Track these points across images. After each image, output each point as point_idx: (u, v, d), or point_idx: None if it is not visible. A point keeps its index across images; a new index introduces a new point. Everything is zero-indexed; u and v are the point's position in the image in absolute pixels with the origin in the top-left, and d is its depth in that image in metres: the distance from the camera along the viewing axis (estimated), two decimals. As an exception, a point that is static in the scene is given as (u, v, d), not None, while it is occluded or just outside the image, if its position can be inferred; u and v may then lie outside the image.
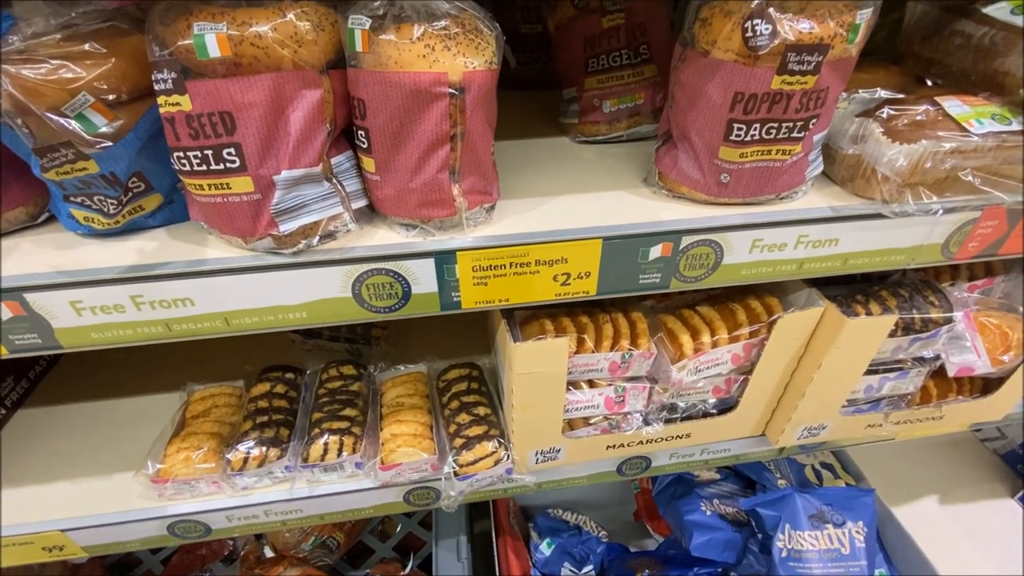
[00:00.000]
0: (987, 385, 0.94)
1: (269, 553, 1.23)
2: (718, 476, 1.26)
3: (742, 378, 0.85)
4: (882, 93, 0.67)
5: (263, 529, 0.90)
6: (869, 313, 0.78)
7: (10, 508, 0.85)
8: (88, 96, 0.48)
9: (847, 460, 1.32)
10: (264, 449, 0.82)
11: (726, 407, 0.89)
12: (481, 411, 0.89)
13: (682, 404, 0.87)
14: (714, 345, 0.78)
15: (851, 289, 0.84)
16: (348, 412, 0.89)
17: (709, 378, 0.83)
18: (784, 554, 1.02)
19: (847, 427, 0.92)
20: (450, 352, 1.08)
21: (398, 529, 1.37)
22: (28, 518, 0.84)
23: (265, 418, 0.87)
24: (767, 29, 0.51)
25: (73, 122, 0.48)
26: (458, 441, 0.84)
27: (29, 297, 0.54)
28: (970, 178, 0.62)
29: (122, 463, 0.91)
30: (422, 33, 0.48)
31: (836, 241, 0.67)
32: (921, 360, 0.85)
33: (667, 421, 0.87)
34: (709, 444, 0.95)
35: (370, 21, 0.48)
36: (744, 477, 1.27)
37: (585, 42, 0.76)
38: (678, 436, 0.89)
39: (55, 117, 0.47)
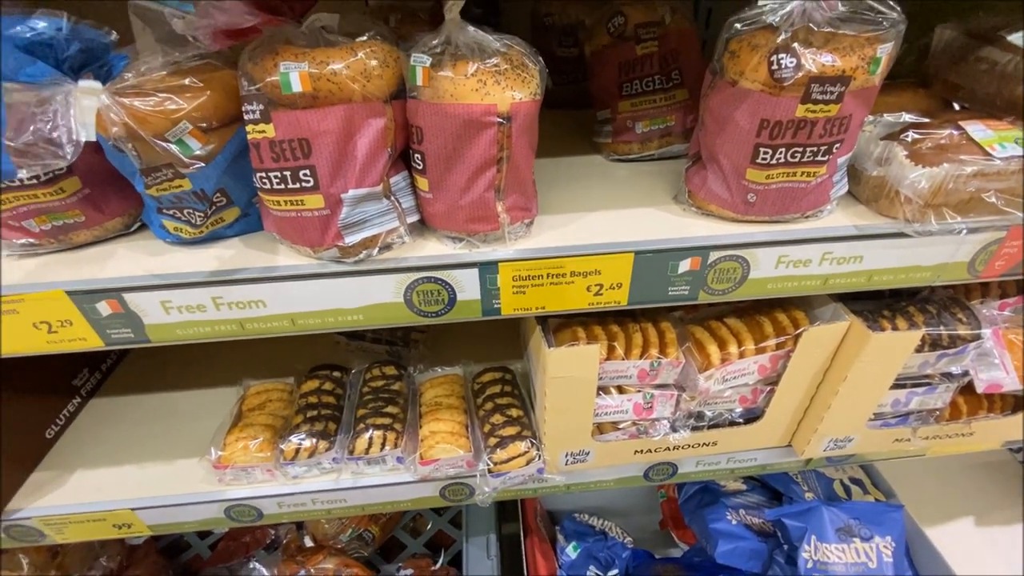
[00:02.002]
0: (1019, 402, 0.94)
1: (309, 543, 1.30)
2: (744, 487, 1.28)
3: (768, 388, 0.87)
4: (907, 117, 0.70)
5: (310, 516, 0.97)
6: (895, 328, 0.80)
7: (84, 488, 0.94)
8: (187, 124, 0.56)
9: (877, 476, 1.32)
10: (314, 441, 0.89)
11: (752, 417, 0.92)
12: (514, 413, 0.94)
13: (709, 412, 0.90)
14: (741, 356, 0.81)
15: (878, 304, 0.86)
16: (390, 409, 0.95)
17: (736, 388, 0.86)
18: (810, 565, 1.03)
19: (874, 441, 0.93)
20: (483, 356, 1.13)
21: (428, 527, 1.42)
22: (101, 497, 0.93)
23: (315, 412, 0.94)
24: (792, 62, 0.55)
25: (174, 146, 0.56)
26: (492, 440, 0.89)
27: (127, 296, 0.62)
28: (994, 199, 0.64)
29: (183, 450, 0.99)
30: (475, 70, 0.54)
31: (860, 258, 0.69)
32: (949, 376, 0.86)
33: (694, 428, 0.90)
34: (735, 453, 0.98)
35: (430, 59, 0.54)
36: (770, 489, 1.28)
37: (620, 68, 0.81)
38: (704, 444, 0.92)
39: (160, 142, 0.55)
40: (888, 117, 0.71)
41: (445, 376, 1.03)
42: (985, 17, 0.77)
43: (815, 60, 0.55)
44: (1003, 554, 1.27)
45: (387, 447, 0.89)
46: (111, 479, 0.96)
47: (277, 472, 0.91)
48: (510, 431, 0.89)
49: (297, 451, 0.89)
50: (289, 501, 0.93)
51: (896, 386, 0.85)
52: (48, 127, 0.47)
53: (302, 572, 1.18)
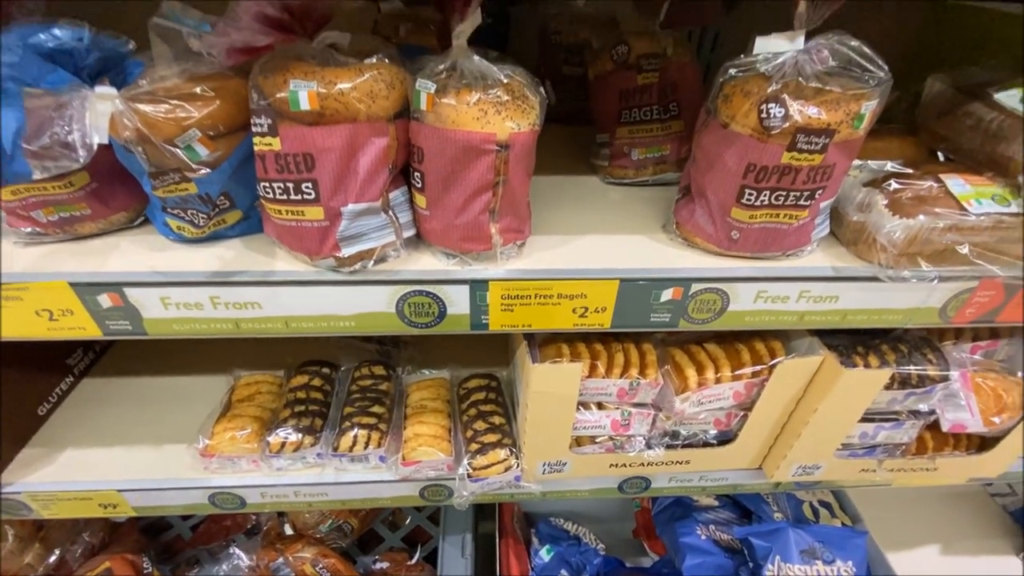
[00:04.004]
0: (984, 442, 0.98)
1: (289, 531, 1.33)
2: (716, 503, 1.31)
3: (742, 414, 0.90)
4: (890, 166, 0.72)
5: (291, 508, 0.99)
6: (867, 365, 0.83)
7: (72, 466, 0.97)
8: (196, 131, 0.58)
9: (845, 500, 1.35)
10: (300, 436, 0.91)
11: (726, 439, 0.95)
12: (496, 420, 0.96)
13: (684, 432, 0.93)
14: (717, 381, 0.84)
15: (854, 339, 0.89)
16: (376, 409, 0.97)
17: (711, 411, 0.89)
18: (772, 584, 1.06)
19: (841, 469, 0.96)
20: (470, 361, 1.15)
21: (407, 521, 1.45)
22: (88, 477, 0.95)
23: (302, 408, 0.96)
24: (780, 112, 0.57)
25: (182, 152, 0.58)
26: (473, 446, 0.92)
27: (128, 291, 0.64)
28: (966, 252, 0.67)
29: (171, 435, 1.01)
30: (477, 99, 0.56)
31: (836, 298, 0.72)
32: (916, 413, 0.89)
33: (668, 446, 0.93)
34: (708, 472, 1.01)
35: (435, 86, 0.56)
36: (742, 507, 1.31)
37: (620, 95, 0.83)
38: (678, 462, 0.95)
39: (168, 147, 0.57)
40: (872, 164, 0.73)
41: (432, 380, 1.06)
42: (975, 71, 0.80)
43: (802, 112, 0.57)
44: (962, 584, 1.32)
45: (371, 446, 0.92)
46: (99, 459, 0.98)
47: (262, 463, 0.93)
48: (491, 438, 0.92)
49: (283, 445, 0.91)
50: (272, 492, 0.95)
51: (864, 419, 0.88)
52: (64, 131, 0.49)
53: (280, 559, 1.20)
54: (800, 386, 0.85)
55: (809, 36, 0.59)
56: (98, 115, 0.52)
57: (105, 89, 0.52)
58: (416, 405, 1.00)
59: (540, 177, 0.91)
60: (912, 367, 0.83)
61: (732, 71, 0.61)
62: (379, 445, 0.92)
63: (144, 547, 1.30)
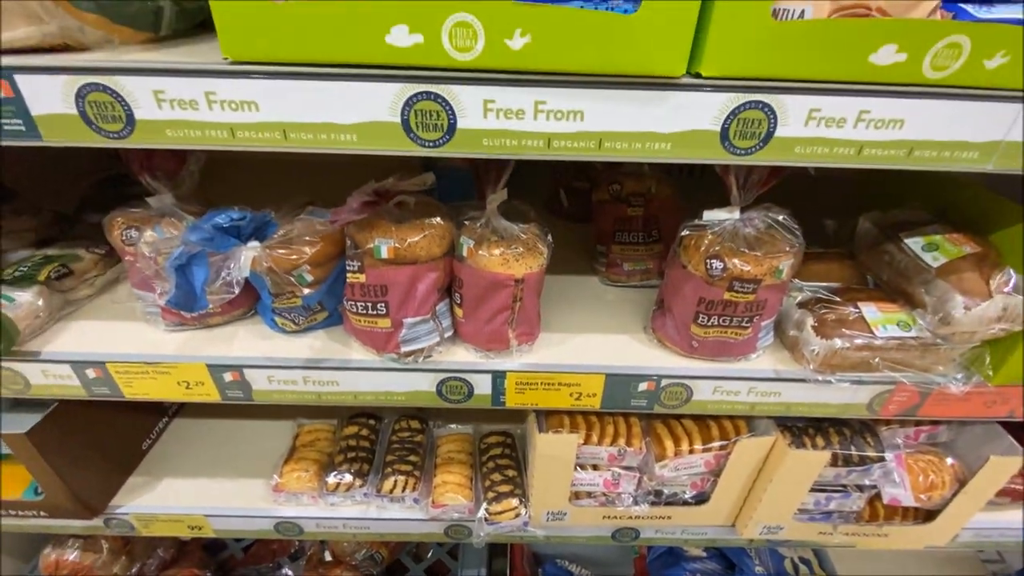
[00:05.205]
0: (930, 513, 1.13)
1: (328, 557, 1.54)
2: (704, 554, 1.47)
3: (714, 479, 1.09)
4: (822, 292, 0.93)
5: (339, 537, 1.20)
6: (815, 446, 1.01)
7: (167, 493, 1.21)
8: (307, 265, 0.83)
9: (825, 559, 1.49)
10: (352, 478, 1.14)
11: (701, 499, 1.13)
12: (510, 473, 1.17)
13: (666, 491, 1.12)
14: (691, 452, 1.03)
15: (810, 421, 1.07)
16: (412, 458, 1.19)
17: (687, 475, 1.08)
18: (745, 630, 1.21)
19: (802, 531, 1.13)
20: (490, 417, 1.36)
21: (429, 554, 1.64)
22: (180, 503, 1.19)
23: (353, 455, 1.19)
24: (720, 266, 0.79)
25: (295, 279, 0.83)
26: (490, 494, 1.12)
27: (246, 371, 0.89)
28: (877, 363, 0.86)
29: (245, 470, 1.25)
30: (501, 252, 0.80)
31: (779, 393, 0.92)
32: (861, 487, 1.06)
33: (652, 503, 1.12)
34: (687, 526, 1.18)
35: (473, 242, 0.80)
36: (727, 559, 1.46)
37: (614, 220, 1.06)
38: (660, 516, 1.14)
39: (287, 276, 0.82)
40: (808, 288, 0.94)
41: (458, 435, 1.27)
42: (898, 212, 1.00)
43: (736, 266, 0.79)
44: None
45: (407, 490, 1.13)
46: (188, 488, 1.22)
47: (320, 499, 1.16)
48: (505, 488, 1.13)
49: (338, 485, 1.13)
50: (325, 523, 1.17)
51: (816, 490, 1.05)
52: (228, 275, 0.74)
53: (322, 582, 1.41)
54: (758, 460, 1.03)
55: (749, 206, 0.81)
56: (246, 259, 0.78)
57: (252, 243, 0.78)
58: (444, 456, 1.21)
59: (551, 276, 1.13)
60: (852, 448, 1.01)
61: (686, 231, 0.83)
62: (414, 489, 1.13)
63: (206, 563, 1.53)
